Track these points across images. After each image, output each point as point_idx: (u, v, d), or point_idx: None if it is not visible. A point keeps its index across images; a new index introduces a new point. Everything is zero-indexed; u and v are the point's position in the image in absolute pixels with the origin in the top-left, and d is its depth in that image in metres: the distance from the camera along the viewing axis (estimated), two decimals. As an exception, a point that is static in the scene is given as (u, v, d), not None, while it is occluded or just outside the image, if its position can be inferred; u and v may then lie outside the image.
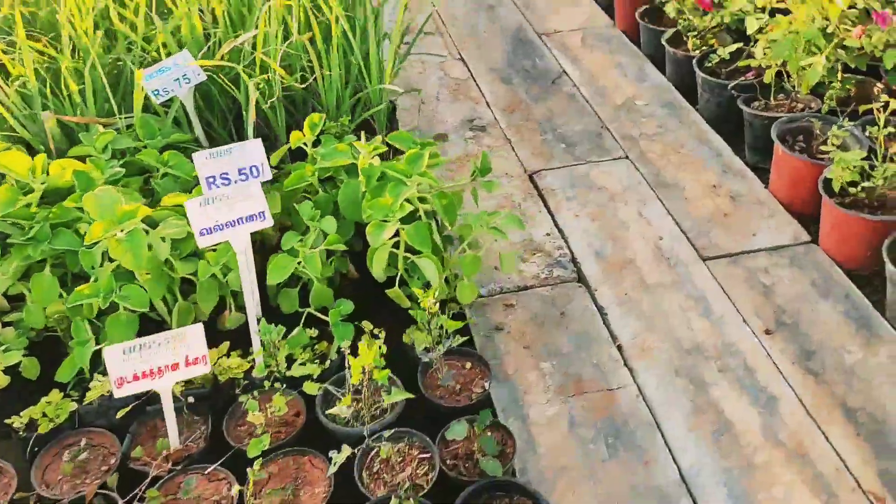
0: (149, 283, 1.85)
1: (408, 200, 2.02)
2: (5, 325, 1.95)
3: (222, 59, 2.38)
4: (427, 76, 3.43)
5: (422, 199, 2.07)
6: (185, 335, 1.50)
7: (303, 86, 2.44)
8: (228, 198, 1.74)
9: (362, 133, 2.13)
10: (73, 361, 1.84)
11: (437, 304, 1.87)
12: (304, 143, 2.20)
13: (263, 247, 2.17)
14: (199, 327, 1.53)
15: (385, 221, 1.96)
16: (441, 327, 1.92)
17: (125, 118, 2.28)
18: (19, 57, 2.25)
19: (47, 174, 1.95)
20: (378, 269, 2.00)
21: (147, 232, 1.85)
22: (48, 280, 1.87)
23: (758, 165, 2.81)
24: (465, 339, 1.95)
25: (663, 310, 2.28)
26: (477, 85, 3.37)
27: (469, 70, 3.47)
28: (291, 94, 2.60)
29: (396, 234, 1.99)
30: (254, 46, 2.39)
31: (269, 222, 1.79)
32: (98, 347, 1.87)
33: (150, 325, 2.05)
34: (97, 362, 1.94)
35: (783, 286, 2.33)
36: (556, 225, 2.62)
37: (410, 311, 1.95)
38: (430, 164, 2.24)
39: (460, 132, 3.07)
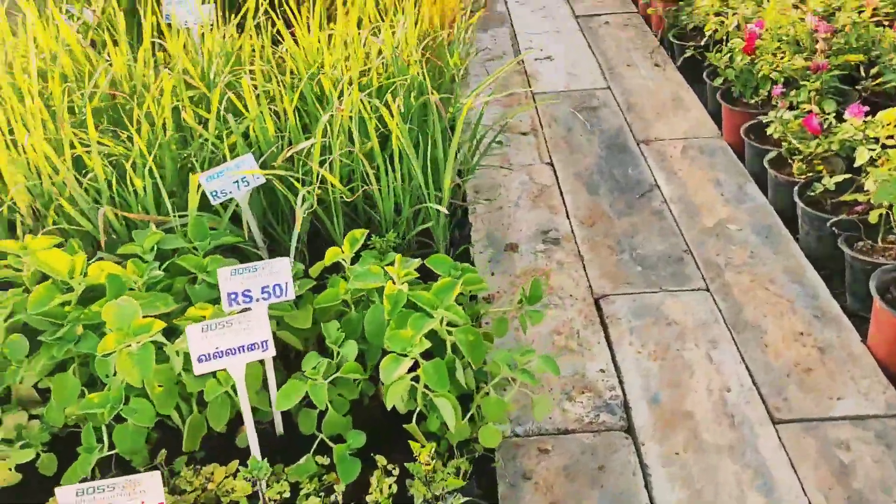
0: (159, 396, 1.84)
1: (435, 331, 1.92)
2: (32, 417, 2.01)
3: (281, 164, 2.40)
4: (511, 179, 3.34)
5: (453, 325, 1.95)
6: (142, 482, 1.45)
7: (353, 196, 2.42)
8: (232, 325, 1.70)
9: (397, 257, 2.06)
10: (82, 463, 1.85)
11: (439, 459, 1.74)
12: (343, 260, 2.16)
13: (291, 358, 2.13)
14: (157, 475, 1.49)
15: (403, 356, 1.86)
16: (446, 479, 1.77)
17: (180, 216, 2.34)
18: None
19: (86, 275, 2.01)
20: (392, 403, 1.89)
21: (163, 346, 1.85)
22: (70, 381, 1.91)
23: (858, 313, 2.48)
24: (479, 493, 1.79)
25: (716, 479, 2.01)
26: (560, 192, 3.23)
27: (556, 176, 3.35)
28: (353, 201, 2.59)
29: (417, 365, 1.88)
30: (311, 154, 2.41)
31: (270, 352, 1.74)
32: (107, 455, 1.87)
33: (168, 432, 2.04)
34: (108, 466, 1.95)
35: (865, 467, 2.00)
36: (614, 360, 2.41)
37: (407, 465, 1.82)
38: (472, 289, 2.13)
39: (532, 244, 2.93)
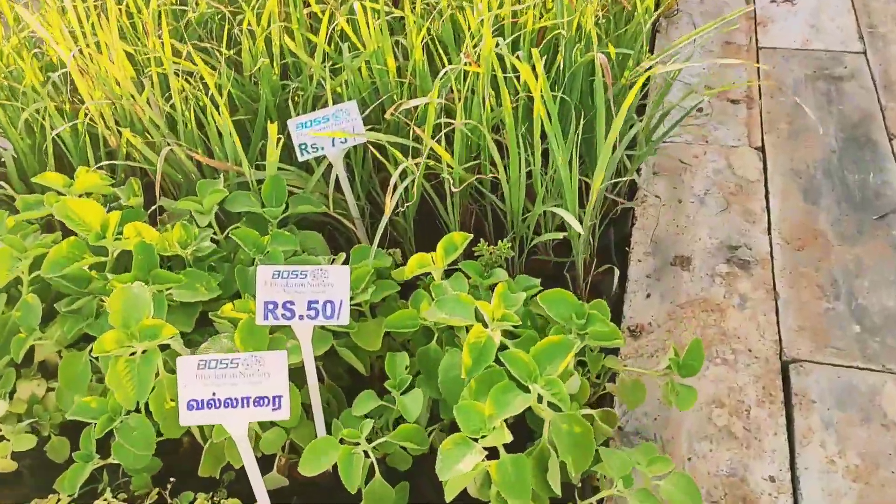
0: (165, 417, 1.44)
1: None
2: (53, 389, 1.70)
3: (393, 118, 1.86)
4: (703, 163, 2.57)
5: (553, 407, 1.37)
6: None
7: (470, 179, 1.83)
8: (238, 366, 1.23)
9: (499, 286, 1.47)
10: (72, 475, 1.51)
11: None
12: (433, 272, 1.61)
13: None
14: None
15: (473, 439, 1.31)
16: None
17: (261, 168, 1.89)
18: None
19: (121, 235, 1.62)
20: (453, 497, 1.36)
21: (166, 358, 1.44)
22: (80, 365, 1.56)
23: None
24: None
25: None
26: (766, 193, 2.43)
27: (764, 167, 2.54)
28: (474, 183, 2.01)
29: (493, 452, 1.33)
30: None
31: (284, 414, 1.25)
32: (104, 463, 1.53)
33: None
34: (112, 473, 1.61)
35: None
36: (793, 466, 1.71)
37: None
38: (603, 345, 1.51)
39: (711, 261, 2.21)
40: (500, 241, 1.67)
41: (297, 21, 2.01)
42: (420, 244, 2.08)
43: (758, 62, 3.05)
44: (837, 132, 2.66)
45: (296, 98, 2.07)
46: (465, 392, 1.39)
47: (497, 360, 1.40)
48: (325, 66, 2.00)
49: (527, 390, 1.36)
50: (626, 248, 2.25)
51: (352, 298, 1.60)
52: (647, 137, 2.16)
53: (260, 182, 1.86)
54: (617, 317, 2.07)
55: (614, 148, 1.85)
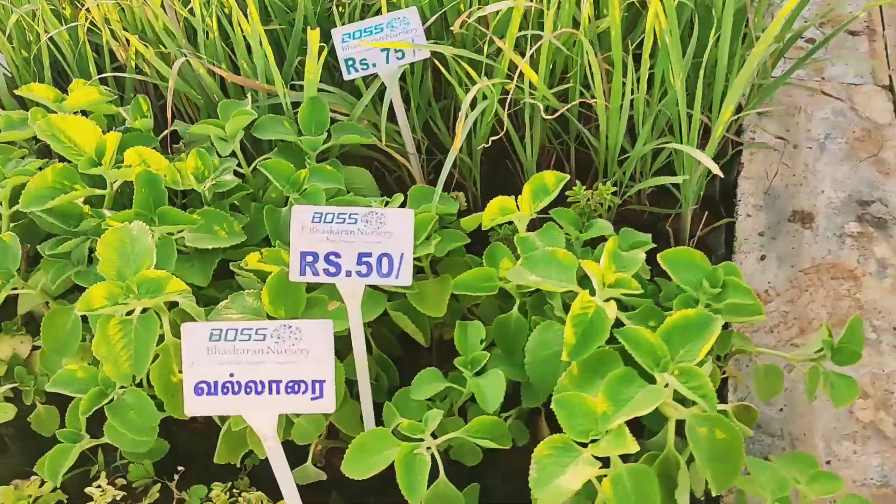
0: (168, 392, 1.11)
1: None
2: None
3: (452, 38, 1.48)
4: (819, 104, 2.15)
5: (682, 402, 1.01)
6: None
7: (561, 110, 1.45)
8: (265, 338, 0.89)
9: (609, 242, 1.11)
10: (55, 459, 1.20)
11: None
12: (517, 221, 1.25)
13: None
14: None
15: (581, 444, 0.97)
16: None
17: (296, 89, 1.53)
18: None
19: (120, 163, 1.28)
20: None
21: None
22: (69, 322, 1.23)
23: None
24: None
25: None
26: (900, 139, 2.02)
27: None
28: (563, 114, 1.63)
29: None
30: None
31: (327, 404, 0.91)
32: (98, 443, 1.22)
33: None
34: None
35: None
36: (959, 478, 1.35)
37: None
38: (743, 321, 1.15)
39: (838, 219, 1.81)
40: (599, 184, 1.30)
41: None
42: (487, 189, 1.72)
43: (877, -12, 2.59)
44: (982, 69, 2.22)
45: (340, 7, 1.69)
46: (565, 379, 1.04)
47: (607, 340, 1.05)
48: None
49: (650, 380, 1.01)
50: (734, 201, 1.87)
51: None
52: (765, 69, 1.76)
53: (296, 106, 1.50)
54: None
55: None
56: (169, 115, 1.43)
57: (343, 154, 1.65)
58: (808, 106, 2.14)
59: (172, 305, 1.13)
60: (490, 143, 1.71)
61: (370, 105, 1.59)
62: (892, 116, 2.09)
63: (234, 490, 1.29)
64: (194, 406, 0.88)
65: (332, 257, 1.07)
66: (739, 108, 1.88)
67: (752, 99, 1.77)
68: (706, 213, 1.70)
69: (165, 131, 1.50)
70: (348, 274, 1.07)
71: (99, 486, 1.24)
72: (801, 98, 2.17)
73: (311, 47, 1.40)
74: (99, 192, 1.31)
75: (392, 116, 1.61)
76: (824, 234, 1.78)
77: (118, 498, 1.24)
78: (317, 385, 0.88)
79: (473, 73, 1.40)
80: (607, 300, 1.06)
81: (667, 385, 0.99)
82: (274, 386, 0.88)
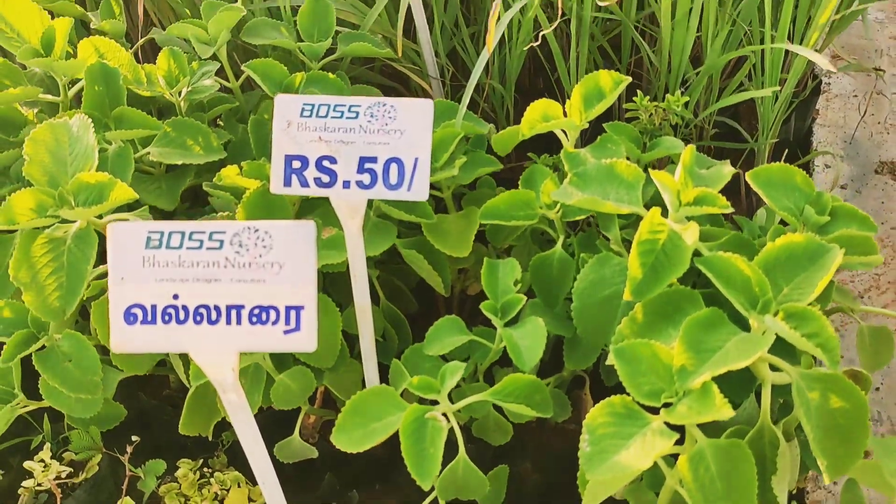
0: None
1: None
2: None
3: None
4: (902, 45, 1.87)
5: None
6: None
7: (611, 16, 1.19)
8: (222, 246, 0.64)
9: (686, 150, 0.85)
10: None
11: None
12: (563, 132, 1.00)
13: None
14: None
15: (651, 410, 0.72)
16: None
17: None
18: None
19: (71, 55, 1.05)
20: None
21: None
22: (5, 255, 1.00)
23: None
24: None
25: None
26: None
27: None
28: (618, 23, 1.37)
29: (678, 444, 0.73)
30: None
31: (304, 341, 0.65)
32: (37, 406, 0.98)
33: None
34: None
35: None
36: None
37: None
38: (861, 262, 0.90)
39: (934, 171, 1.54)
40: (669, 95, 1.04)
41: None
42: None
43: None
44: None
45: None
46: (625, 327, 0.78)
47: (683, 279, 0.79)
48: None
49: (744, 326, 0.75)
50: (809, 150, 1.60)
51: (431, 172, 1.01)
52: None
53: (297, 13, 1.25)
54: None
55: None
56: (140, 11, 1.19)
57: (353, 79, 1.40)
58: (891, 49, 1.86)
59: (125, 226, 0.90)
60: (524, 74, 1.46)
61: (385, 16, 1.35)
62: None
63: (207, 469, 1.06)
64: (124, 339, 0.64)
65: (325, 163, 0.82)
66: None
67: (837, 23, 1.49)
68: (782, 155, 1.43)
69: (141, 41, 1.26)
70: (346, 185, 0.82)
71: (42, 461, 1.01)
72: (883, 41, 1.88)
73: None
74: (53, 99, 1.07)
75: (411, 33, 1.36)
76: (920, 187, 1.51)
77: (63, 475, 1.01)
78: (292, 313, 0.63)
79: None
80: (685, 224, 0.81)
81: (765, 333, 0.73)
82: (233, 313, 0.63)
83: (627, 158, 1.00)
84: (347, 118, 0.82)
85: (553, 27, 1.19)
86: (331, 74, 1.11)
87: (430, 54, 1.35)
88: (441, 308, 1.21)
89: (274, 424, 0.98)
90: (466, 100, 1.09)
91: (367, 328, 0.93)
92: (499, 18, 1.14)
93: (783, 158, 1.45)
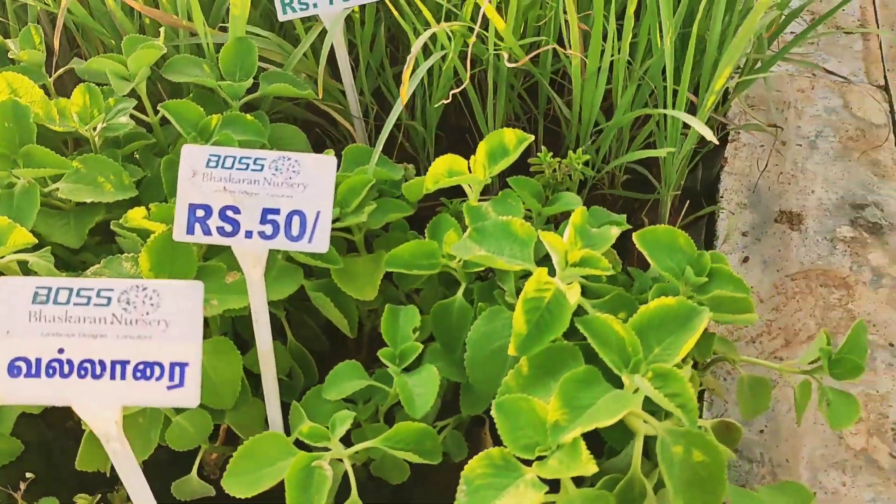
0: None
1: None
2: None
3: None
4: (811, 98, 1.98)
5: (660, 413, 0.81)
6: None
7: (524, 65, 1.25)
8: (110, 303, 0.66)
9: (576, 212, 0.91)
10: None
11: None
12: (469, 186, 1.04)
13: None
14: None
15: (525, 462, 0.76)
16: None
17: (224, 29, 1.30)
18: None
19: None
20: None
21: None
22: None
23: None
24: None
25: None
26: None
27: (891, 111, 1.95)
28: (532, 77, 1.43)
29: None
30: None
31: (188, 396, 0.68)
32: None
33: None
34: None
35: None
36: (965, 518, 1.16)
37: None
38: (731, 321, 0.96)
39: (829, 221, 1.64)
40: (571, 152, 1.10)
41: None
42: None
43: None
44: (981, 76, 2.07)
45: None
46: (511, 379, 0.83)
47: (567, 334, 0.84)
48: None
49: (617, 384, 0.80)
50: (715, 197, 1.68)
51: (338, 219, 1.04)
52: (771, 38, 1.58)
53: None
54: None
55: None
56: (56, 44, 1.19)
57: (278, 115, 1.43)
58: (798, 102, 1.97)
59: (23, 267, 0.90)
60: (448, 113, 1.51)
61: (311, 57, 1.38)
62: (887, 117, 1.93)
63: (104, 504, 1.06)
64: (8, 391, 0.65)
65: (229, 212, 0.85)
66: (726, 95, 1.70)
67: (741, 80, 1.58)
68: (686, 205, 1.51)
69: (59, 71, 1.26)
70: (248, 235, 0.85)
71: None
72: (791, 94, 2.00)
73: (237, -24, 1.18)
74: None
75: (336, 73, 1.39)
76: (814, 238, 1.60)
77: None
78: (176, 369, 0.66)
79: (430, 16, 1.19)
80: (570, 283, 0.86)
81: (636, 391, 0.79)
82: (118, 368, 0.65)
83: (529, 212, 1.06)
84: (252, 170, 0.85)
85: (470, 78, 1.24)
86: (248, 116, 1.13)
87: (352, 95, 1.39)
88: (353, 346, 1.24)
89: (173, 461, 0.99)
90: (380, 147, 1.13)
91: (269, 371, 0.95)
92: (417, 66, 1.18)
93: (685, 209, 1.54)
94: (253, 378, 1.00)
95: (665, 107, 1.27)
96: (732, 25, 1.36)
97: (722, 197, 1.70)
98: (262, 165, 0.85)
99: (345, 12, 1.29)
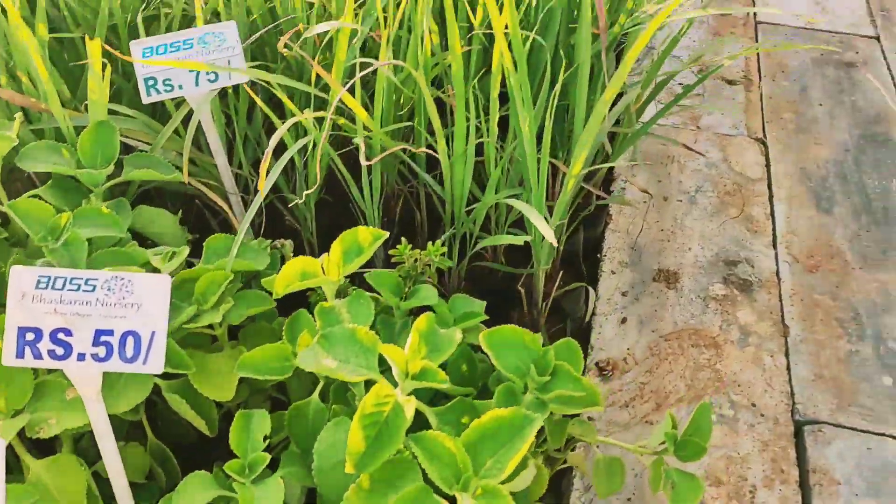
0: None
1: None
2: None
3: (284, 61, 1.28)
4: (690, 156, 2.06)
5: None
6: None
7: (395, 148, 1.27)
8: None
9: (421, 319, 0.93)
10: None
11: None
12: (321, 289, 1.05)
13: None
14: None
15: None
16: None
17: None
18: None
19: None
20: None
21: None
22: None
23: None
24: None
25: None
26: (770, 197, 1.94)
27: (767, 165, 2.05)
28: (403, 158, 1.45)
29: None
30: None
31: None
32: None
33: None
34: None
35: None
36: (814, 579, 1.23)
37: None
38: (582, 410, 0.99)
39: (704, 279, 1.71)
40: (430, 244, 1.12)
41: None
42: (327, 235, 1.51)
43: (756, 39, 2.57)
44: (851, 128, 2.19)
45: (160, 16, 1.47)
46: (353, 494, 0.84)
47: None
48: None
49: (453, 499, 0.82)
50: (598, 256, 1.74)
51: (197, 316, 1.04)
52: (637, 112, 1.64)
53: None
54: (583, 347, 1.55)
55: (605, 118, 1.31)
56: None
57: (157, 191, 1.41)
58: (681, 156, 2.05)
59: None
60: (334, 180, 1.52)
61: (183, 134, 1.37)
62: (763, 171, 2.03)
63: None
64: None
65: (60, 335, 0.84)
66: (607, 157, 1.76)
67: (619, 145, 1.64)
68: (562, 272, 1.55)
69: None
70: (81, 357, 0.84)
71: None
72: (675, 148, 2.08)
73: (93, 63, 1.16)
74: None
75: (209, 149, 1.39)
76: (689, 296, 1.67)
77: None
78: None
79: (290, 104, 1.19)
80: (410, 394, 0.87)
81: (469, 507, 0.81)
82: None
83: (388, 308, 1.07)
84: (84, 291, 0.84)
85: (348, 153, 1.25)
86: (103, 209, 1.12)
87: (226, 172, 1.38)
88: (223, 436, 1.23)
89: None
90: (240, 237, 1.13)
91: (118, 480, 0.94)
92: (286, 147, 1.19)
93: (561, 274, 1.58)
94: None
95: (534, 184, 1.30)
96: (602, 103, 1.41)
97: (605, 255, 1.75)
98: (94, 286, 0.84)
99: (211, 94, 1.28)
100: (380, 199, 1.42)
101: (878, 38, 2.59)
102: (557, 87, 1.16)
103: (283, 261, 1.33)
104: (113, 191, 1.25)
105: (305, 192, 1.26)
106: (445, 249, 1.12)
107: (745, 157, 2.06)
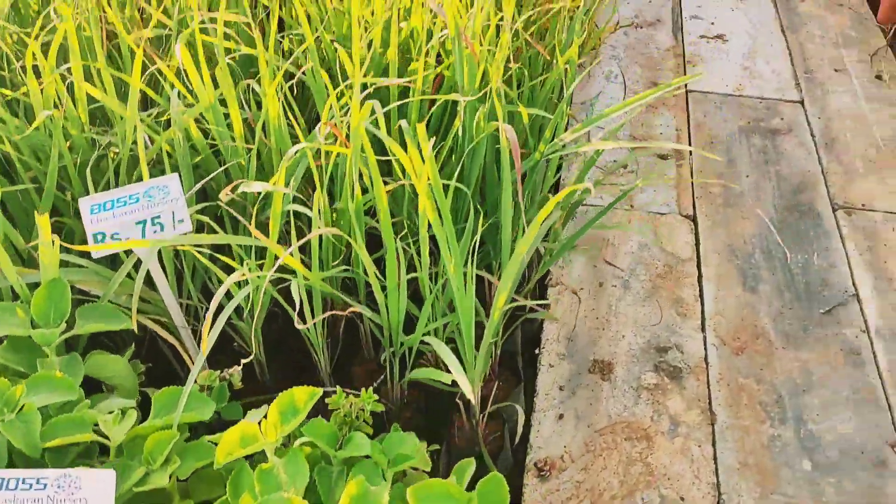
0: None
1: None
2: None
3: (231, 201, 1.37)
4: (624, 236, 2.18)
5: None
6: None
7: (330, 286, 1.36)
8: None
9: (352, 485, 1.01)
10: None
11: None
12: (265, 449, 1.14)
13: None
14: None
15: None
16: None
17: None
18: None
19: None
20: None
21: None
22: None
23: None
24: None
25: None
26: (699, 277, 2.07)
27: (697, 243, 2.17)
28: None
29: None
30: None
31: None
32: None
33: None
34: None
35: None
36: None
37: None
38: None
39: (636, 368, 1.82)
40: (364, 390, 1.21)
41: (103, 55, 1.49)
42: (275, 354, 1.61)
43: (688, 109, 2.71)
44: (776, 199, 2.33)
45: (111, 157, 1.55)
46: None
47: None
48: (149, 116, 1.50)
49: None
50: (536, 352, 1.84)
51: (147, 476, 1.12)
52: (568, 212, 1.75)
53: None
54: (523, 446, 1.66)
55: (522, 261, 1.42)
56: None
57: (104, 336, 1.49)
58: (615, 238, 2.17)
59: None
60: (275, 303, 1.60)
61: (132, 275, 1.45)
62: (692, 250, 2.15)
63: None
64: None
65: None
66: (540, 257, 1.87)
67: (546, 258, 1.75)
68: (498, 379, 1.65)
69: None
70: (34, 550, 0.92)
71: None
72: (611, 235, 2.18)
73: (42, 233, 1.24)
74: None
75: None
76: (622, 387, 1.78)
77: None
78: None
79: (231, 261, 1.28)
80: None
81: None
82: None
83: (324, 458, 1.16)
84: (36, 490, 0.92)
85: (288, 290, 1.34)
86: (58, 374, 1.19)
87: (175, 309, 1.46)
88: None
89: None
90: (186, 392, 1.21)
91: None
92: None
93: (506, 375, 1.68)
94: None
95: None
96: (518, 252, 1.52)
97: (543, 348, 1.85)
98: (45, 484, 0.92)
99: (157, 247, 1.36)
100: (323, 325, 1.51)
101: (801, 102, 2.74)
102: (477, 236, 1.27)
103: (231, 388, 1.42)
104: (67, 340, 1.32)
105: (252, 324, 1.34)
106: (376, 397, 1.21)
107: (676, 237, 2.18)
